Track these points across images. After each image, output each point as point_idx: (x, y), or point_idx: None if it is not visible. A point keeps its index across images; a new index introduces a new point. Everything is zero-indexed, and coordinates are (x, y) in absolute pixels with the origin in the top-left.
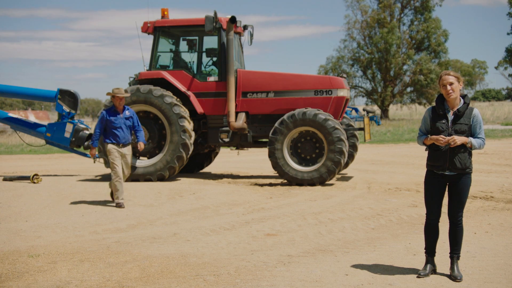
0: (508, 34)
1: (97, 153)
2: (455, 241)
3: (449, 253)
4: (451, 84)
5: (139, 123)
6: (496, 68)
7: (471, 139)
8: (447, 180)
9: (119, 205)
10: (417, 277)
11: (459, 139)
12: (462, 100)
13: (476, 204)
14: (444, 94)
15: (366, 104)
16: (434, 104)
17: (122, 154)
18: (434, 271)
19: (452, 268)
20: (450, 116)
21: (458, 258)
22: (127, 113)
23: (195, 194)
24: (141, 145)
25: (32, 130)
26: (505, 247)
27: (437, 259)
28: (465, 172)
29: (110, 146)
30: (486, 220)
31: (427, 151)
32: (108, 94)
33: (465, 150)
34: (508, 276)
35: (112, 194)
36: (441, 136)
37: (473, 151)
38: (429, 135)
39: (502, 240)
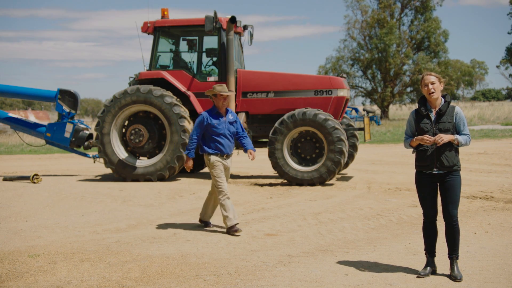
0: (508, 33)
1: (190, 164)
2: (452, 241)
3: (448, 253)
4: (432, 83)
5: (243, 128)
6: (497, 67)
7: (457, 136)
8: (436, 179)
9: (234, 230)
10: (417, 277)
11: (445, 137)
12: (443, 100)
13: (476, 204)
14: (425, 93)
15: (364, 104)
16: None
17: (226, 167)
18: (434, 271)
19: (452, 268)
20: (433, 115)
21: (457, 258)
22: (230, 116)
23: (195, 194)
24: (253, 154)
25: (32, 130)
26: (505, 247)
27: (437, 259)
28: (453, 170)
29: (214, 158)
30: (486, 220)
31: (414, 153)
32: (208, 92)
33: (451, 148)
34: (508, 276)
35: (224, 219)
36: (426, 135)
37: (461, 149)
38: (414, 137)
39: (502, 240)
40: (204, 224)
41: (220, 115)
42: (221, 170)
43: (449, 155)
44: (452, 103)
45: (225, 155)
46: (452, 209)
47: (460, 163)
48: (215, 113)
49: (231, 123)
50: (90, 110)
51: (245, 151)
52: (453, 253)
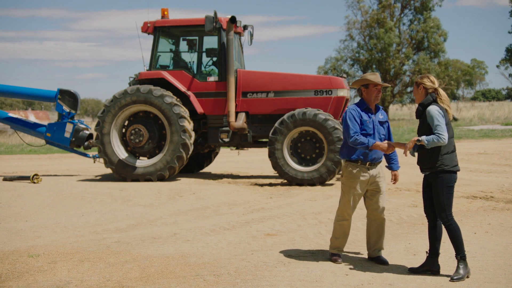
0: (509, 32)
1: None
2: (452, 241)
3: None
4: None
5: (391, 133)
6: (497, 67)
7: (422, 137)
8: (427, 179)
9: (334, 259)
10: (409, 269)
11: (410, 143)
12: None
13: (476, 204)
14: None
15: None
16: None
17: (368, 179)
18: (437, 271)
19: (457, 268)
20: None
21: (461, 257)
22: (380, 116)
23: (195, 194)
24: (396, 177)
25: (32, 130)
26: (505, 247)
27: (438, 259)
28: (436, 170)
29: (351, 168)
30: (486, 220)
31: None
32: (356, 84)
33: (426, 148)
34: (508, 276)
35: (331, 241)
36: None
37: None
38: None
39: (502, 240)
40: (376, 260)
41: (370, 111)
42: (353, 187)
43: (426, 155)
44: (432, 104)
45: (368, 163)
46: (438, 212)
47: (444, 162)
48: (365, 108)
49: (381, 123)
50: (90, 110)
51: (389, 167)
52: (456, 253)
